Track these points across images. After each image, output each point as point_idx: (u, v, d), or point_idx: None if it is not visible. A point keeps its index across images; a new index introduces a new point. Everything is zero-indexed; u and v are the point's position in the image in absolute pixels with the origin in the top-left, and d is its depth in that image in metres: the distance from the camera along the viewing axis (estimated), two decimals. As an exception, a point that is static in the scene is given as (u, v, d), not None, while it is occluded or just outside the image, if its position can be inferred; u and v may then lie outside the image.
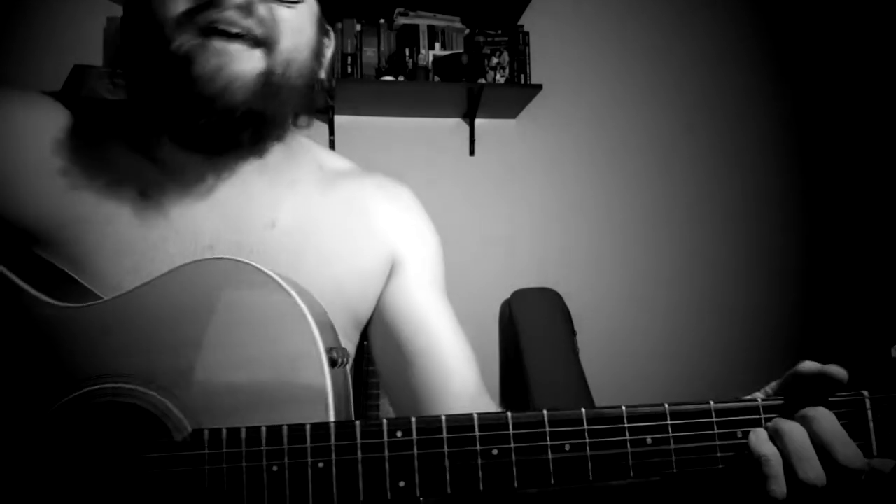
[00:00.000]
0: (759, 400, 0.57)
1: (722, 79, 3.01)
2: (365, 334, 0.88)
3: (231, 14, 0.62)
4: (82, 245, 0.68)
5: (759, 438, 0.54)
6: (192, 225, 0.72)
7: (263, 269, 0.58)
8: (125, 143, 0.73)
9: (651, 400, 0.58)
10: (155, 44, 0.63)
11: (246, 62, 0.64)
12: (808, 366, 0.56)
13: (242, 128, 0.67)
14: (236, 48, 0.63)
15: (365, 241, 0.82)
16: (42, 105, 0.72)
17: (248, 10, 0.63)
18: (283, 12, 0.67)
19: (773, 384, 0.59)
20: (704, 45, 3.01)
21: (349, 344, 0.82)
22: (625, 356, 2.82)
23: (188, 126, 0.65)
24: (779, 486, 0.52)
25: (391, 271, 0.85)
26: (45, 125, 0.70)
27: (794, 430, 0.53)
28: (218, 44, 0.62)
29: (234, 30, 0.62)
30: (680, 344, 2.88)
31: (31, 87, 0.75)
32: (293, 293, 0.57)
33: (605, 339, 2.79)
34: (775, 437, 0.54)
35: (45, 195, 0.68)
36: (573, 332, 2.65)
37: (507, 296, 2.73)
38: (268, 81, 0.65)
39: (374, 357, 0.89)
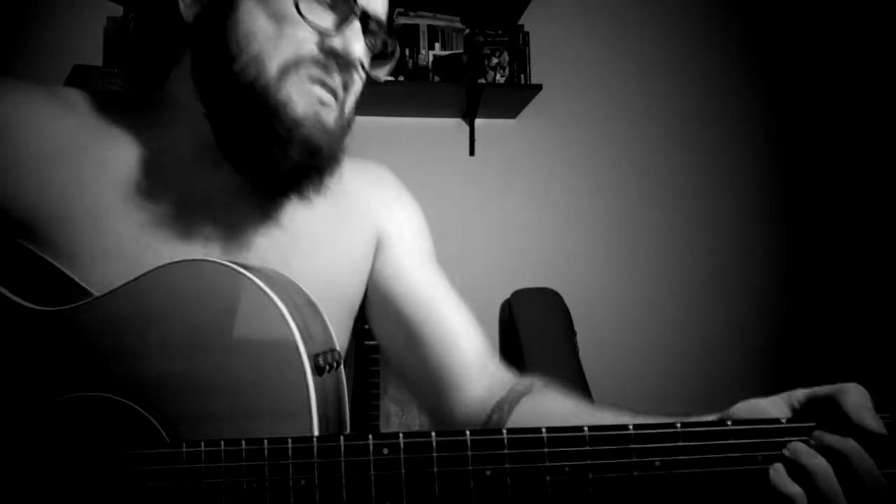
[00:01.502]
0: (784, 420, 0.52)
1: (722, 79, 2.99)
2: (362, 320, 0.88)
3: (337, 78, 0.68)
4: (73, 243, 0.66)
5: (781, 476, 0.50)
6: (185, 230, 0.71)
7: (241, 270, 0.57)
8: (134, 142, 0.71)
9: (651, 399, 0.54)
10: (250, 78, 0.66)
11: (332, 114, 0.70)
12: (853, 400, 0.50)
13: (308, 171, 0.70)
14: (331, 100, 0.69)
15: (349, 226, 0.82)
16: (55, 98, 0.70)
17: (349, 77, 0.70)
18: (358, 83, 0.73)
19: (801, 393, 0.54)
20: (704, 44, 2.99)
21: (344, 332, 0.82)
22: (625, 356, 2.80)
23: (272, 161, 0.67)
24: None
25: (377, 248, 0.85)
26: (53, 118, 0.68)
27: (820, 470, 0.50)
28: (321, 93, 0.68)
29: (333, 87, 0.69)
30: (680, 343, 2.86)
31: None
32: (273, 296, 0.55)
33: (605, 338, 2.78)
34: (799, 472, 0.50)
35: (41, 187, 0.66)
36: (573, 332, 2.64)
37: (507, 296, 2.71)
38: (336, 133, 0.71)
39: (377, 337, 0.88)
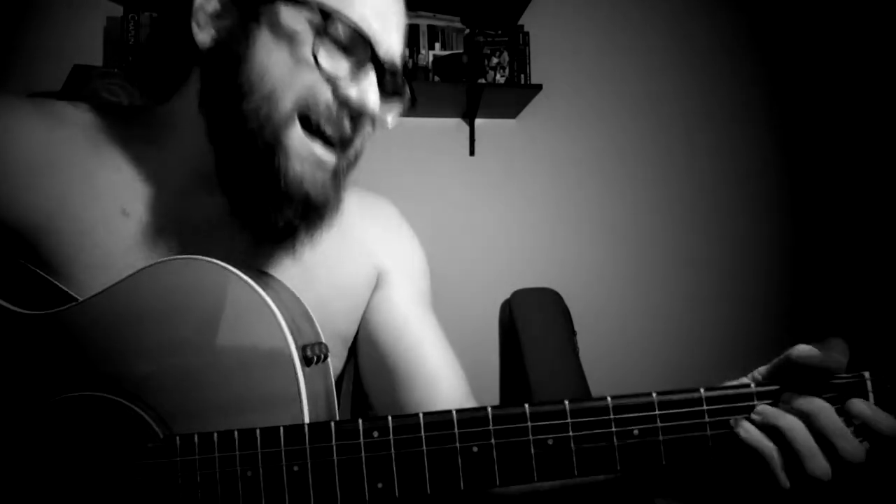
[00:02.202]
0: (753, 385, 0.54)
1: (721, 78, 2.99)
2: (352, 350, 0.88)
3: (347, 125, 0.68)
4: (62, 256, 0.67)
5: (752, 433, 0.52)
6: (177, 250, 0.71)
7: (229, 266, 0.57)
8: (128, 157, 0.71)
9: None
10: (259, 121, 0.65)
11: (329, 165, 0.68)
12: (801, 351, 0.53)
13: (299, 218, 0.69)
14: (329, 156, 0.68)
15: (350, 261, 0.82)
16: (46, 112, 0.70)
17: (361, 123, 0.70)
18: (369, 127, 0.72)
19: (763, 369, 0.57)
20: (704, 44, 2.99)
21: (336, 361, 0.82)
22: (625, 356, 2.81)
23: (269, 217, 0.67)
24: (783, 481, 0.51)
25: (375, 285, 0.85)
26: (42, 131, 0.69)
27: (795, 427, 0.51)
28: (321, 152, 0.67)
29: (338, 136, 0.68)
30: (681, 343, 2.86)
31: (30, 87, 0.74)
32: (259, 290, 0.56)
33: (605, 339, 2.78)
34: (772, 431, 0.51)
35: (29, 201, 0.66)
36: (573, 332, 2.63)
37: (507, 296, 2.71)
38: (334, 178, 0.70)
39: (360, 372, 0.88)
